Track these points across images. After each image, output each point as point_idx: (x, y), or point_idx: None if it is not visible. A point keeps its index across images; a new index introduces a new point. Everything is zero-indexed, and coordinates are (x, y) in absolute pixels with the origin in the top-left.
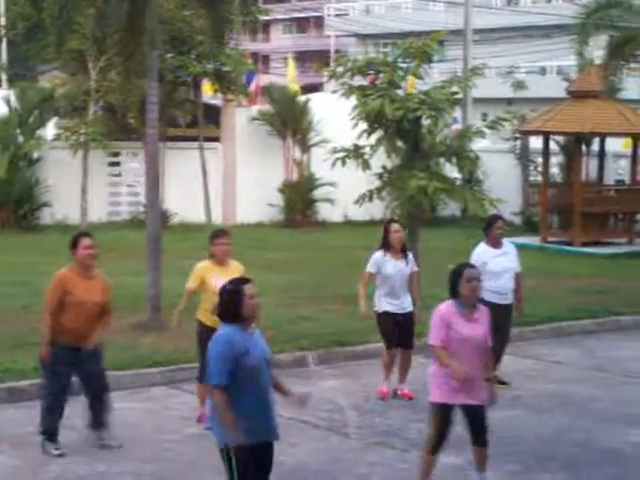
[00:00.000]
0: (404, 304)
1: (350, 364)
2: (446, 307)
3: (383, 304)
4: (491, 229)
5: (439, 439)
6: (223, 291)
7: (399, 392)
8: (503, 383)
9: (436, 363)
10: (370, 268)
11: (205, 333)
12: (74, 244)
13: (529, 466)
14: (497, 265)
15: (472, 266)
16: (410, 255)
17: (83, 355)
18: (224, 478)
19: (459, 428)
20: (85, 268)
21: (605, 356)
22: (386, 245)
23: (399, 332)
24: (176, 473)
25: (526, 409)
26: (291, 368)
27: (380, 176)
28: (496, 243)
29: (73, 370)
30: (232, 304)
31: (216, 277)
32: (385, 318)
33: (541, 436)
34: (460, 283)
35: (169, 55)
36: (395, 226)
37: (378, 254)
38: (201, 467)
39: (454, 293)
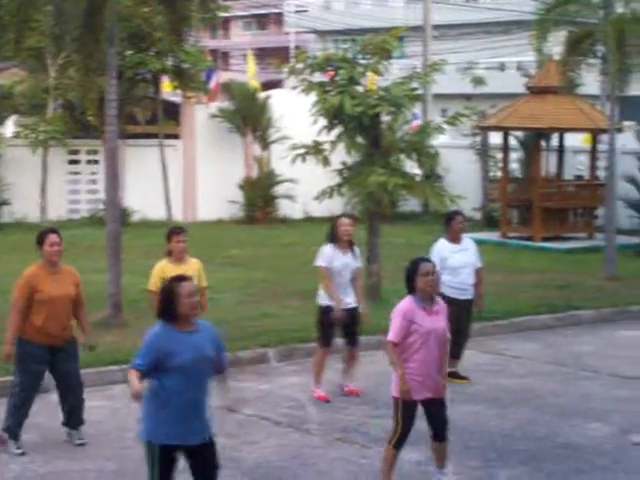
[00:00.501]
0: (348, 299)
1: (311, 360)
2: (406, 303)
3: (327, 298)
4: (451, 225)
5: (403, 434)
6: (161, 289)
7: (346, 389)
8: (463, 378)
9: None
10: (323, 262)
11: None
12: (40, 241)
13: (490, 461)
14: (456, 260)
15: (427, 260)
16: (357, 250)
17: (59, 353)
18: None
19: (422, 424)
20: (51, 264)
21: (565, 351)
22: (334, 239)
23: (344, 329)
24: (138, 471)
25: (486, 404)
26: (252, 365)
27: (340, 172)
28: (456, 239)
29: (47, 369)
30: (167, 303)
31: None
32: (327, 313)
33: (501, 431)
34: (416, 278)
35: (128, 52)
36: (345, 220)
37: (327, 247)
38: None
39: (411, 288)
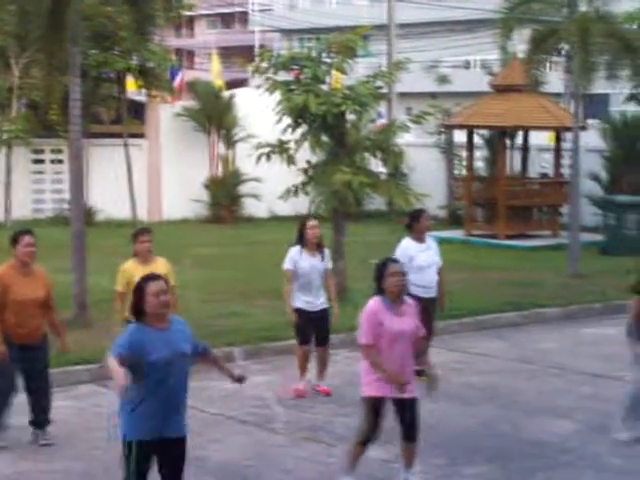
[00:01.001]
0: (318, 301)
1: (277, 359)
2: (374, 304)
3: (297, 301)
4: (417, 223)
5: (371, 433)
6: (133, 289)
7: (317, 388)
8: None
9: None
10: (288, 265)
11: None
12: (15, 241)
13: (455, 458)
14: (423, 260)
15: (396, 261)
16: (326, 251)
17: (29, 353)
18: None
19: (387, 423)
20: (24, 265)
21: (530, 348)
22: (302, 241)
23: (314, 329)
24: (105, 471)
25: (452, 402)
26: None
27: (305, 171)
28: (421, 238)
29: (19, 368)
30: (137, 301)
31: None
32: (299, 315)
33: (467, 428)
34: (385, 278)
35: (92, 51)
36: (312, 222)
37: (294, 250)
38: None
39: (379, 289)
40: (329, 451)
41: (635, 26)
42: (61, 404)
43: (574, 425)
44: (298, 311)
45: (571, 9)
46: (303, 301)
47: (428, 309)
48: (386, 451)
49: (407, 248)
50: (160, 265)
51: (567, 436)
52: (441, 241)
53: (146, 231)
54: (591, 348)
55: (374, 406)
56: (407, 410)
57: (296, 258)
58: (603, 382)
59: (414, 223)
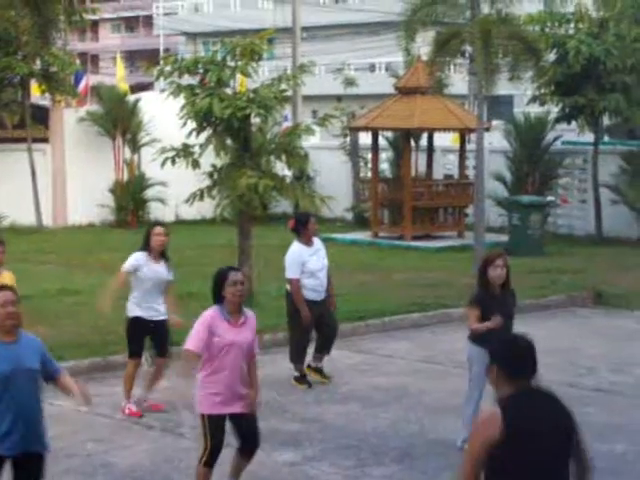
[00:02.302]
0: (158, 311)
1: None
2: (211, 312)
3: (135, 309)
4: (306, 228)
5: (213, 450)
6: None
7: (146, 404)
8: (325, 377)
9: (202, 372)
10: (128, 267)
11: None
12: None
13: (363, 459)
14: (315, 263)
15: (237, 269)
16: (169, 263)
17: None
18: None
19: (293, 426)
20: None
21: (436, 348)
22: (147, 248)
23: (153, 340)
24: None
25: (359, 403)
26: (124, 370)
27: (210, 175)
28: (310, 241)
29: None
30: None
31: None
32: (136, 324)
33: (375, 429)
34: (224, 287)
35: None
36: (159, 229)
37: (139, 254)
38: None
39: (218, 298)
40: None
41: (537, 28)
42: None
43: None
44: (136, 320)
45: (473, 11)
46: (142, 309)
47: (324, 310)
48: (294, 453)
49: (299, 254)
50: (6, 277)
51: None
52: (348, 243)
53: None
54: None
55: (213, 423)
56: (243, 426)
57: (140, 263)
58: None
59: (302, 228)
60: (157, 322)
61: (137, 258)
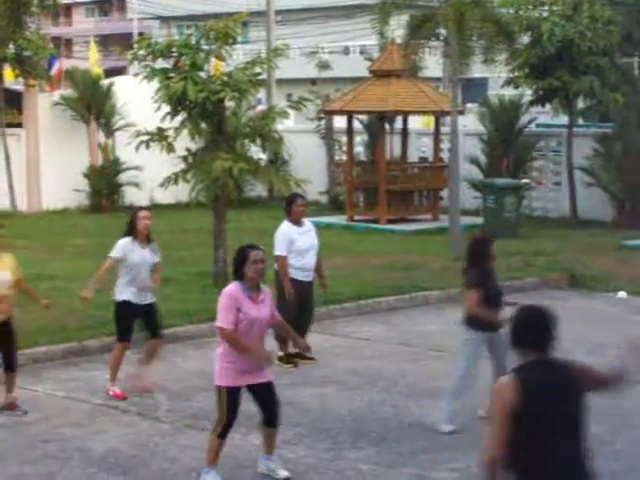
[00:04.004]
0: (146, 294)
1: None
2: (233, 289)
3: (124, 293)
4: (292, 208)
5: (228, 422)
6: None
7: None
8: (309, 359)
9: (222, 345)
10: (116, 253)
11: None
12: None
13: (340, 442)
14: (303, 243)
15: (257, 247)
16: (155, 244)
17: None
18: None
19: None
20: None
21: (412, 331)
22: (133, 232)
23: (145, 323)
24: None
25: (335, 386)
26: (100, 354)
27: (185, 159)
28: (298, 221)
29: None
30: None
31: None
32: (124, 308)
33: (351, 412)
34: (246, 265)
35: None
36: (144, 213)
37: (125, 240)
38: (9, 459)
39: (239, 275)
40: None
41: (511, 10)
42: None
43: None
44: (124, 304)
45: None
46: (130, 293)
47: (307, 293)
48: (257, 437)
49: (287, 232)
50: (6, 261)
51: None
52: (323, 226)
53: None
54: None
55: (229, 395)
56: (265, 396)
57: (127, 249)
58: (482, 363)
59: (289, 208)
60: (147, 305)
61: (124, 244)
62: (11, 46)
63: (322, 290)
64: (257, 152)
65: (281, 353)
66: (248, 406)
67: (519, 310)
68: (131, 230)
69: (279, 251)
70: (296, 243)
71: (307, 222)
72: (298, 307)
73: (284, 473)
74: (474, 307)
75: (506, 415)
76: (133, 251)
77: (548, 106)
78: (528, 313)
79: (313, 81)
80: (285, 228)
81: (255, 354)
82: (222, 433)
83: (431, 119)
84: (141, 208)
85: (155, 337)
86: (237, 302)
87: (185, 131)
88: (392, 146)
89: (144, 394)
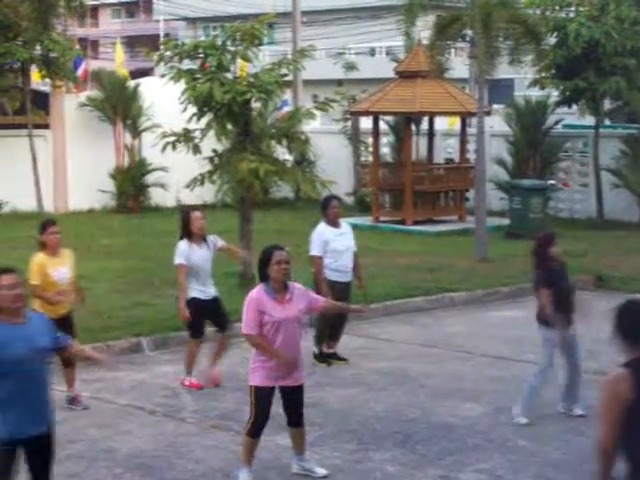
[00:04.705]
0: (211, 289)
1: (185, 349)
2: (256, 292)
3: (192, 291)
4: (327, 209)
5: (260, 422)
6: None
7: (207, 375)
8: (342, 359)
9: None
10: (180, 259)
11: None
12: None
13: (365, 443)
14: (339, 244)
15: (281, 248)
16: (210, 238)
17: None
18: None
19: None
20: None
21: (438, 332)
22: (189, 234)
23: (211, 317)
24: None
25: (361, 387)
26: (126, 354)
27: (211, 160)
28: (334, 223)
29: None
30: None
31: (55, 268)
32: (192, 305)
33: (376, 413)
34: (269, 266)
35: None
36: (197, 214)
37: (183, 244)
38: None
39: (264, 276)
40: (238, 439)
41: (537, 11)
42: None
43: (481, 408)
44: (192, 301)
45: None
46: (197, 290)
47: (344, 293)
48: (283, 437)
49: (322, 233)
50: (67, 257)
51: (475, 419)
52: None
53: (53, 222)
54: (498, 331)
55: (262, 395)
56: (293, 397)
57: (187, 251)
58: (509, 365)
59: (324, 209)
60: (212, 300)
61: (183, 248)
62: (38, 47)
63: (361, 290)
64: (283, 153)
65: (316, 351)
66: (273, 407)
67: (626, 304)
68: (186, 232)
69: (313, 252)
70: (331, 244)
71: (344, 224)
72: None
73: (322, 471)
74: (545, 308)
75: (619, 408)
76: (192, 253)
77: (575, 107)
78: (637, 308)
79: (339, 82)
80: (320, 229)
81: (280, 358)
82: (253, 432)
83: (455, 118)
84: (193, 208)
85: (223, 331)
86: (260, 305)
87: (211, 132)
88: (418, 147)
89: (214, 386)
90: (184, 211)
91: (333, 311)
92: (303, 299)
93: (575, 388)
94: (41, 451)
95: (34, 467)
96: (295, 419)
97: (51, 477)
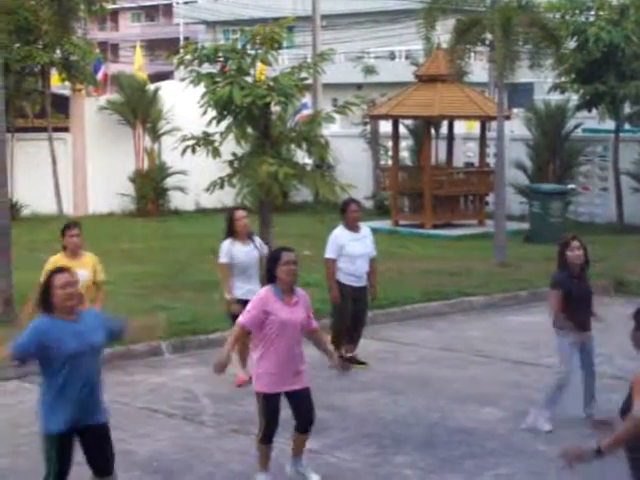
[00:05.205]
0: (257, 288)
1: (204, 352)
2: (264, 291)
3: (237, 290)
4: (346, 213)
5: (270, 428)
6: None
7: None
8: (362, 363)
9: (257, 351)
10: (224, 258)
11: None
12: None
13: (385, 447)
14: (354, 248)
15: (289, 249)
16: (257, 239)
17: None
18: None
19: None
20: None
21: (457, 337)
22: (232, 232)
23: None
24: (31, 468)
25: (381, 391)
26: (145, 357)
27: (231, 163)
28: (353, 227)
29: None
30: (44, 294)
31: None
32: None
33: (396, 417)
34: (277, 267)
35: (15, 45)
36: (240, 213)
37: (227, 243)
38: None
39: (272, 277)
40: None
41: (557, 15)
42: None
43: (501, 412)
44: (237, 301)
45: None
46: (239, 289)
47: (360, 298)
48: (316, 441)
49: (339, 236)
50: (87, 259)
51: (494, 423)
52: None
53: (75, 225)
54: (517, 336)
55: (268, 401)
56: (300, 402)
57: (231, 250)
58: (528, 369)
59: (343, 213)
60: (246, 301)
61: (227, 247)
62: (58, 51)
63: (370, 297)
64: (303, 157)
65: (344, 354)
66: (289, 410)
67: None
68: (230, 231)
69: (327, 254)
70: (346, 248)
71: (364, 228)
72: (352, 313)
73: (315, 477)
74: (553, 309)
75: None
76: (237, 251)
77: (594, 111)
78: None
79: (359, 86)
80: (337, 232)
81: (221, 355)
82: (264, 439)
83: (474, 122)
84: (236, 209)
85: None
86: (266, 304)
87: (231, 136)
88: (437, 151)
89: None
90: (228, 211)
91: (316, 346)
92: (306, 309)
93: (589, 392)
94: (97, 440)
95: (92, 457)
96: (306, 426)
97: (111, 466)
